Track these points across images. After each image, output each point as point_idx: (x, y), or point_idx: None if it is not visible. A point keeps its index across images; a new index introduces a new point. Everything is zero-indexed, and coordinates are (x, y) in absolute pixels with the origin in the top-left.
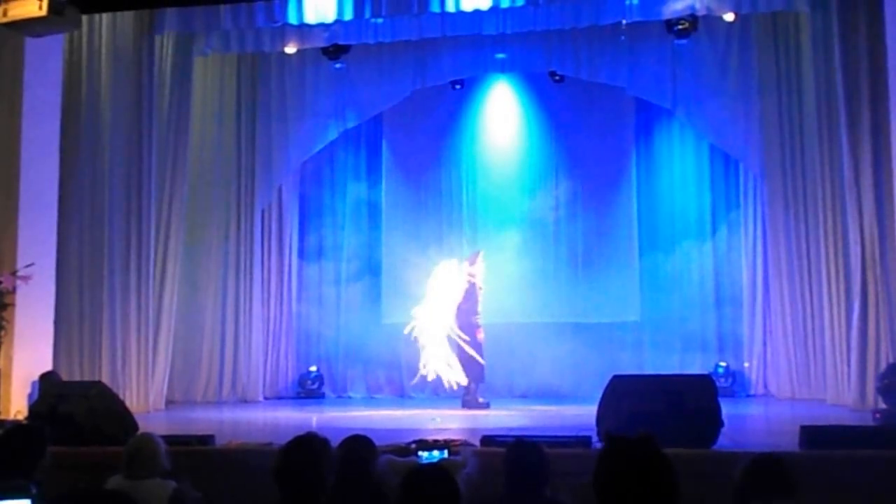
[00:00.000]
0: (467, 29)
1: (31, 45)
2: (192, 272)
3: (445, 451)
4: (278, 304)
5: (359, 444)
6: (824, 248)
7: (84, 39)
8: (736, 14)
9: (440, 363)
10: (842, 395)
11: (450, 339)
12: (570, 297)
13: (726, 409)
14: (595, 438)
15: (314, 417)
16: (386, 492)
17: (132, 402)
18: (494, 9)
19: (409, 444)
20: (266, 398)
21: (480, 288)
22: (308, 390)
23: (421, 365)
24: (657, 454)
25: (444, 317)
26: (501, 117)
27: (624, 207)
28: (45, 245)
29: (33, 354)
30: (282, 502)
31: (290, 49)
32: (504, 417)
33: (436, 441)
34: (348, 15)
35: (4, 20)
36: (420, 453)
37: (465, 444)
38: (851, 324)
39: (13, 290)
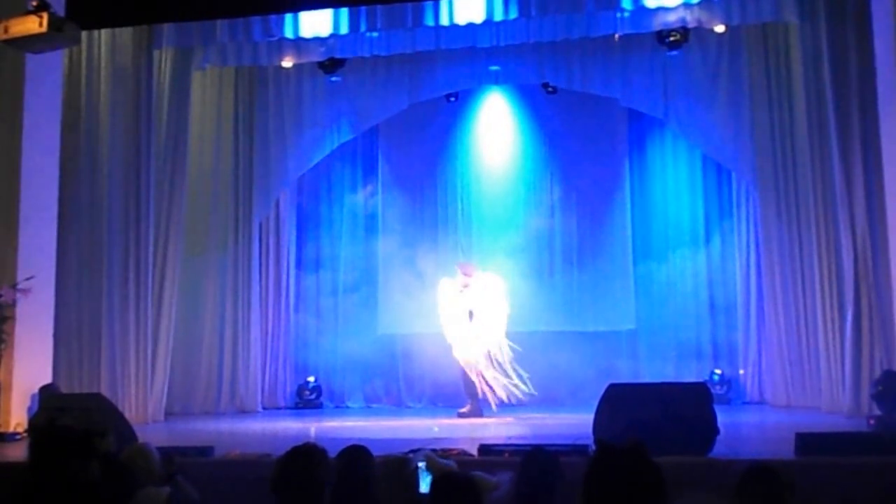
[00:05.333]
0: (461, 42)
1: (32, 61)
2: (191, 284)
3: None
4: (276, 315)
5: (356, 455)
6: (817, 256)
7: (83, 55)
8: (726, 26)
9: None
10: (836, 402)
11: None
12: (566, 307)
13: (722, 416)
14: (592, 447)
15: (312, 428)
16: (381, 498)
17: (131, 413)
18: (488, 22)
19: (407, 453)
20: (264, 409)
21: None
22: (306, 401)
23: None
24: (646, 461)
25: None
26: (496, 129)
27: (618, 217)
28: (44, 258)
29: (33, 367)
30: None
31: (287, 63)
32: (501, 426)
33: (434, 450)
34: (344, 29)
35: (5, 37)
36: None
37: (464, 453)
38: (845, 331)
39: (13, 304)
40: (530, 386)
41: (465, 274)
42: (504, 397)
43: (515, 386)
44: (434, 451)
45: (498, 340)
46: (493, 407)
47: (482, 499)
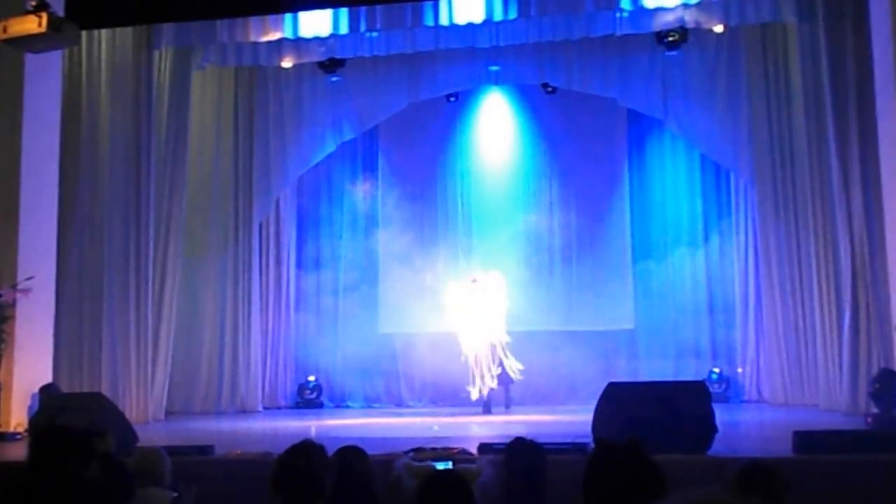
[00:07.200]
0: (461, 42)
1: (31, 60)
2: (191, 284)
3: (450, 463)
4: (276, 315)
5: (351, 456)
6: (815, 255)
7: (83, 55)
8: (725, 26)
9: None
10: (834, 400)
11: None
12: (566, 306)
13: (720, 414)
14: (591, 445)
15: (313, 427)
16: (382, 497)
17: (132, 413)
18: (487, 22)
19: (407, 452)
20: (265, 408)
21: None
22: (306, 400)
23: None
24: (644, 459)
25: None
26: (495, 129)
27: (617, 216)
28: (44, 258)
29: (33, 367)
30: None
31: (287, 63)
32: (501, 425)
33: (434, 449)
34: (343, 29)
35: (4, 37)
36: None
37: (464, 451)
38: (843, 329)
39: (13, 304)
40: (516, 372)
41: (474, 281)
42: (491, 386)
43: (510, 368)
44: (434, 449)
45: (500, 332)
46: (474, 396)
47: (471, 488)
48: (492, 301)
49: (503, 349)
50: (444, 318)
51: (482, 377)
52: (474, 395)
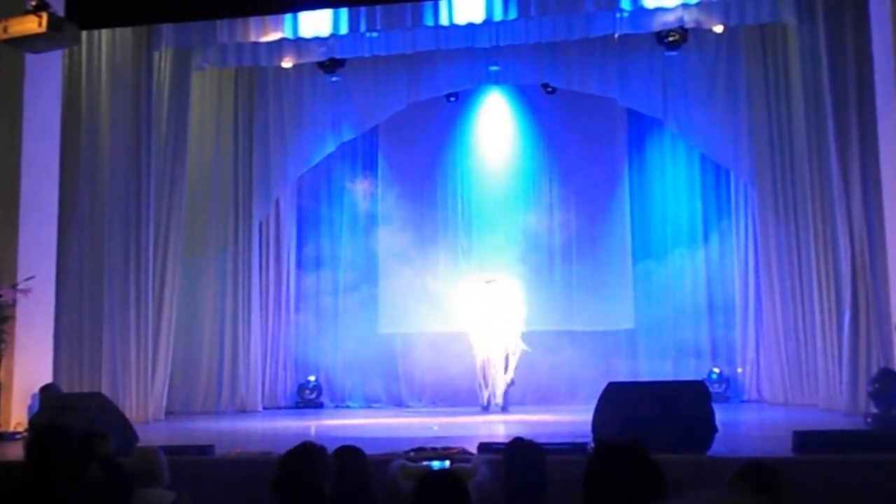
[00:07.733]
0: (461, 42)
1: (31, 60)
2: (191, 284)
3: (447, 462)
4: (276, 315)
5: (349, 455)
6: (815, 255)
7: (83, 55)
8: (725, 26)
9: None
10: (834, 400)
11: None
12: (565, 306)
13: (720, 414)
14: (591, 445)
15: (313, 427)
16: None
17: (132, 412)
18: (487, 22)
19: (407, 452)
20: (265, 408)
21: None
22: (306, 400)
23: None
24: (645, 459)
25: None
26: (495, 129)
27: (617, 216)
28: (45, 258)
29: (33, 367)
30: None
31: (287, 63)
32: (500, 425)
33: (434, 449)
34: (343, 29)
35: (4, 37)
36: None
37: (464, 451)
38: (842, 329)
39: (13, 304)
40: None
41: (488, 282)
42: (499, 399)
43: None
44: (434, 449)
45: (515, 341)
46: (484, 402)
47: (466, 487)
48: (506, 305)
49: (514, 359)
50: (448, 318)
51: (488, 383)
52: (483, 401)
